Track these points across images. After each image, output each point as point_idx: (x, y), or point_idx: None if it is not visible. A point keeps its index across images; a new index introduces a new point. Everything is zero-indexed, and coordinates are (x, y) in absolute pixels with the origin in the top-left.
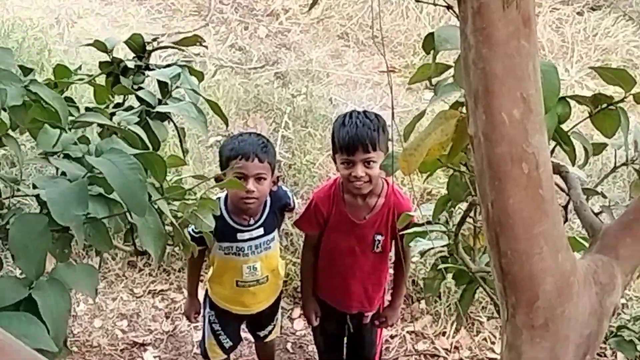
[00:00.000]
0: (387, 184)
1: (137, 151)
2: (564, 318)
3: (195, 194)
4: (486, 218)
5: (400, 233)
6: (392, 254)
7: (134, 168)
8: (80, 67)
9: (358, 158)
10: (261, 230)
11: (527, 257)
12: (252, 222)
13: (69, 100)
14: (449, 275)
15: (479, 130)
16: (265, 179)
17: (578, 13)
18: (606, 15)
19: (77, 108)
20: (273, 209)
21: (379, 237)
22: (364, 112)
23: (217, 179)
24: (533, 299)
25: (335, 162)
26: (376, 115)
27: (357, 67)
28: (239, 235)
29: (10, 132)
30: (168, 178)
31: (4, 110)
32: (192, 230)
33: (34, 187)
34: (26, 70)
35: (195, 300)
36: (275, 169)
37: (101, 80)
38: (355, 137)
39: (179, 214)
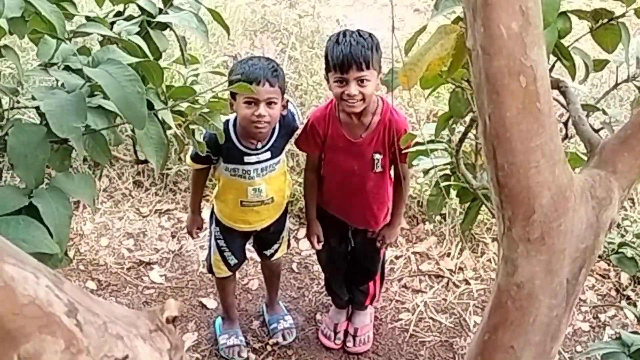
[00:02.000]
0: (383, 102)
1: (135, 59)
2: (560, 232)
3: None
4: (483, 131)
5: (402, 152)
6: (391, 172)
7: (132, 79)
8: None
9: (351, 76)
10: (268, 154)
11: (524, 170)
12: (259, 146)
13: (71, 2)
14: (453, 195)
15: (477, 43)
16: (276, 103)
17: None
18: None
19: (79, 14)
20: (281, 133)
21: (377, 156)
22: (358, 31)
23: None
24: (529, 212)
25: (328, 81)
26: (370, 35)
27: None
28: (246, 159)
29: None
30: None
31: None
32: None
33: (33, 99)
34: None
35: (197, 216)
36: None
37: None
38: (350, 55)
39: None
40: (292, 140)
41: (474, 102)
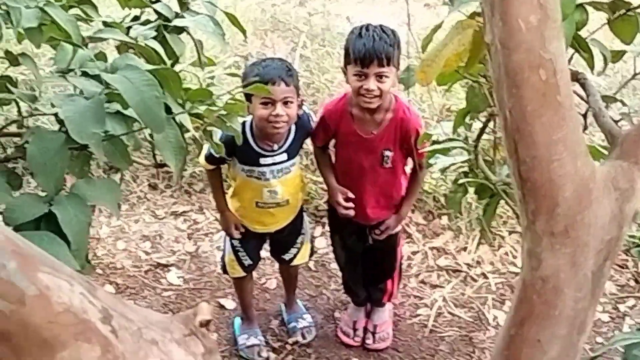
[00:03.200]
0: (397, 99)
1: (153, 67)
2: (584, 224)
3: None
4: (504, 126)
5: (421, 151)
6: (405, 169)
7: (150, 84)
8: None
9: (372, 71)
10: (284, 156)
11: (546, 163)
12: (275, 147)
13: (92, 4)
14: (471, 190)
15: (496, 37)
16: (292, 102)
17: None
18: None
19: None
20: (297, 135)
21: (387, 153)
22: (381, 26)
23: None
24: (553, 205)
25: (345, 74)
26: (392, 31)
27: None
28: (262, 160)
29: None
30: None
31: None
32: (213, 152)
33: (52, 106)
34: None
35: (228, 213)
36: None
37: None
38: (372, 50)
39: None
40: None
41: (492, 97)
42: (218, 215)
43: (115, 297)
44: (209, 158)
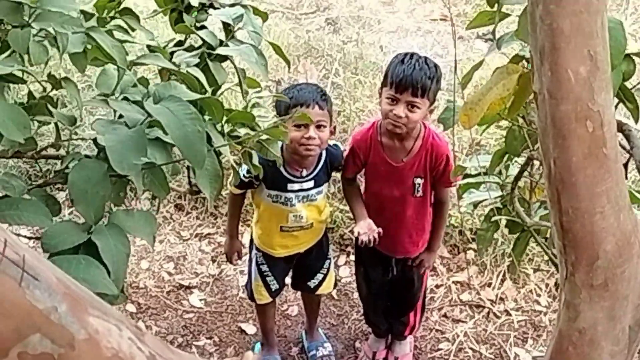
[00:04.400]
0: (425, 127)
1: (197, 95)
2: (624, 278)
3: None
4: (548, 175)
5: (455, 183)
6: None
7: (193, 118)
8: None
9: (404, 98)
10: (312, 183)
11: (588, 215)
12: (304, 173)
13: (129, 11)
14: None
15: (544, 87)
16: (325, 126)
17: None
18: None
19: (140, 43)
20: (326, 164)
21: (418, 181)
22: (425, 58)
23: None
24: (593, 258)
25: (380, 95)
26: (435, 65)
27: (408, 14)
28: (289, 186)
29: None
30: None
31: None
32: (244, 174)
33: (92, 129)
34: (87, 15)
35: (235, 240)
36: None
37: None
38: (409, 78)
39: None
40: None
41: (530, 140)
42: (242, 238)
43: (162, 343)
44: (240, 183)
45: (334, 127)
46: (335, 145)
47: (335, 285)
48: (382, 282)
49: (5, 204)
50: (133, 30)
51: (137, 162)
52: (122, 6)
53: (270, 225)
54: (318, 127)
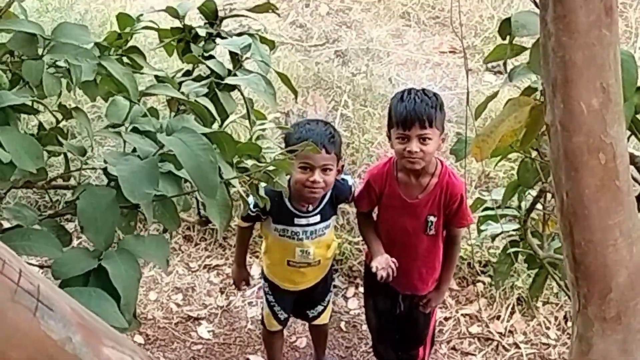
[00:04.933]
0: (442, 164)
1: (208, 130)
2: (637, 311)
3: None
4: (560, 208)
5: (458, 216)
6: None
7: (206, 149)
8: (142, 15)
9: (414, 133)
10: (318, 218)
11: (601, 248)
12: (310, 208)
13: (136, 49)
14: (518, 259)
15: (557, 119)
16: (331, 169)
17: None
18: None
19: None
20: (332, 198)
21: (431, 219)
22: (423, 89)
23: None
24: (606, 291)
25: (389, 139)
26: (434, 94)
27: (417, 47)
28: (296, 220)
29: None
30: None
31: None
32: (250, 209)
33: (105, 162)
34: (102, 48)
35: (242, 269)
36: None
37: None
38: (413, 112)
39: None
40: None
41: (543, 172)
42: (251, 270)
43: None
44: (245, 215)
45: (342, 166)
46: (342, 179)
47: (331, 317)
48: (390, 315)
49: (16, 234)
50: (140, 67)
51: (149, 192)
52: (129, 44)
53: (278, 258)
54: (324, 170)
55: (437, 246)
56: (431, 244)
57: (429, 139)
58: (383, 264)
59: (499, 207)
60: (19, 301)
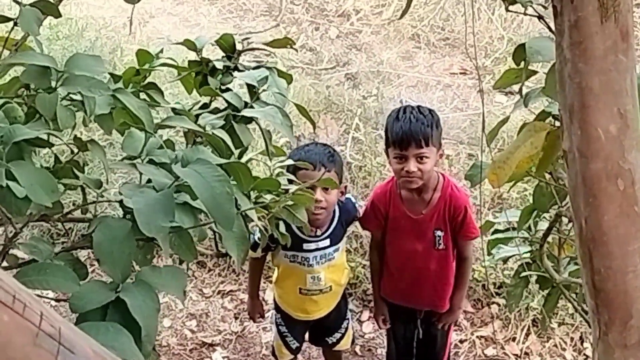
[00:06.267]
0: (444, 177)
1: (224, 160)
2: None
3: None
4: (579, 234)
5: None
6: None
7: (222, 180)
8: (162, 51)
9: (411, 153)
10: (327, 242)
11: (621, 274)
12: (318, 233)
13: (154, 85)
14: (531, 281)
15: (574, 145)
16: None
17: None
18: None
19: (165, 106)
20: (341, 220)
21: (439, 233)
22: (418, 107)
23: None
24: (627, 317)
25: (387, 156)
26: (430, 111)
27: (428, 68)
28: (305, 246)
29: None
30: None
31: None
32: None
33: (120, 194)
34: (116, 78)
35: (256, 301)
36: (343, 179)
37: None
38: (409, 132)
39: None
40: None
41: (559, 196)
42: (265, 295)
43: None
44: (254, 246)
45: (345, 187)
46: (347, 198)
47: (353, 341)
48: (407, 339)
49: (33, 269)
50: (158, 104)
51: (164, 225)
52: (147, 80)
53: (290, 287)
54: (324, 189)
55: (448, 261)
56: (442, 260)
57: (427, 157)
58: (379, 321)
59: (514, 229)
60: (40, 345)
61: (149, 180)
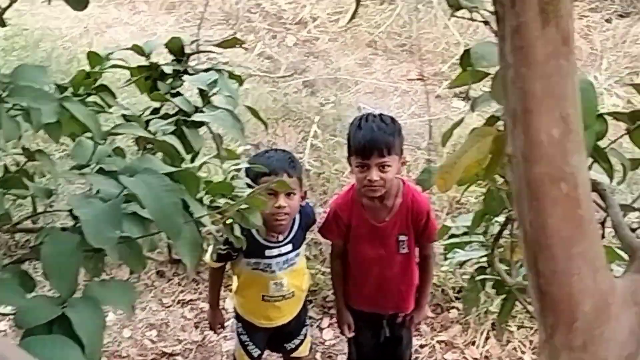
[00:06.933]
0: (404, 183)
1: (172, 169)
2: (603, 339)
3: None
4: (524, 238)
5: (426, 232)
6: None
7: (169, 190)
8: (112, 53)
9: (373, 162)
10: (289, 247)
11: (565, 277)
12: (280, 238)
13: (105, 88)
14: (488, 285)
15: (518, 150)
16: (295, 194)
17: (606, 20)
18: (635, 22)
19: (115, 112)
20: (301, 225)
21: (402, 238)
22: (380, 115)
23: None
24: (572, 320)
25: (350, 164)
26: (392, 119)
27: (385, 75)
28: (267, 252)
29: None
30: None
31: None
32: (219, 248)
33: (69, 205)
34: (62, 89)
35: (217, 311)
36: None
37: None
38: (372, 141)
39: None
40: (315, 229)
41: (510, 200)
42: (224, 303)
43: None
44: (219, 258)
45: (305, 192)
46: (306, 204)
47: (311, 348)
48: (371, 345)
49: None
50: (110, 106)
51: (112, 236)
52: (97, 83)
53: (252, 295)
54: (287, 195)
55: (411, 263)
56: (405, 262)
57: (389, 166)
58: (345, 329)
59: (467, 234)
60: None
61: (98, 191)
